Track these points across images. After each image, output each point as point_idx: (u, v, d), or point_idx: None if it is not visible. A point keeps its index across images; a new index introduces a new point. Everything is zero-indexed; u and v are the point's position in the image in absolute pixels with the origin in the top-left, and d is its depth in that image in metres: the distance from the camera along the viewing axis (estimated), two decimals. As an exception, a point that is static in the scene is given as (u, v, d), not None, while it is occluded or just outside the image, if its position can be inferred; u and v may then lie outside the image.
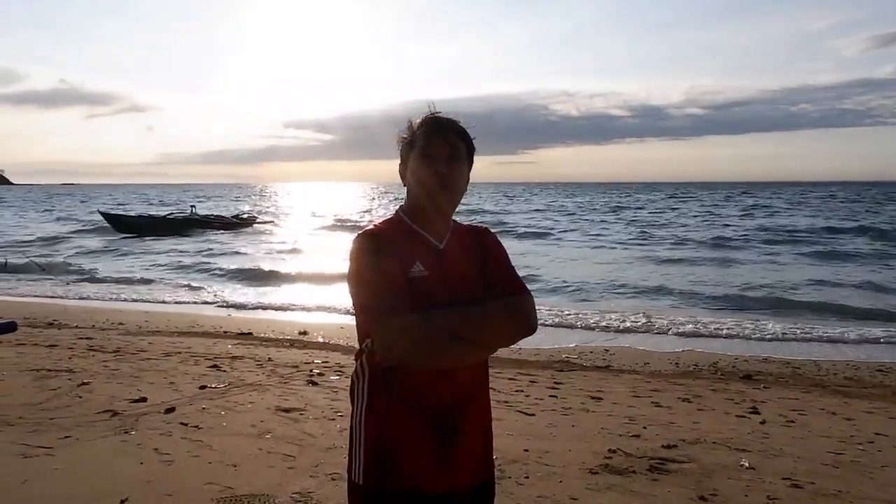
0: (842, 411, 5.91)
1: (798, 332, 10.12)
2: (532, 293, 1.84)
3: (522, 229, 33.83)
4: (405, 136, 1.84)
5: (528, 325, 1.79)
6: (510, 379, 6.87)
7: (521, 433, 4.99)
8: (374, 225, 1.82)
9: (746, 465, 4.34)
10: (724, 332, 10.13)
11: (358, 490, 1.79)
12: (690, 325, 10.49)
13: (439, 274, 1.76)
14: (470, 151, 1.85)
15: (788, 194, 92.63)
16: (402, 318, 1.65)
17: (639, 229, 32.98)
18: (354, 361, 1.87)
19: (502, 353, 8.37)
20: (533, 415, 5.52)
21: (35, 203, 74.84)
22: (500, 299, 1.79)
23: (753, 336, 9.85)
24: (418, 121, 1.83)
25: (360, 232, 1.80)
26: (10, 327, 6.98)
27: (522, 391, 6.34)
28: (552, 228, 34.96)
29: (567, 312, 11.67)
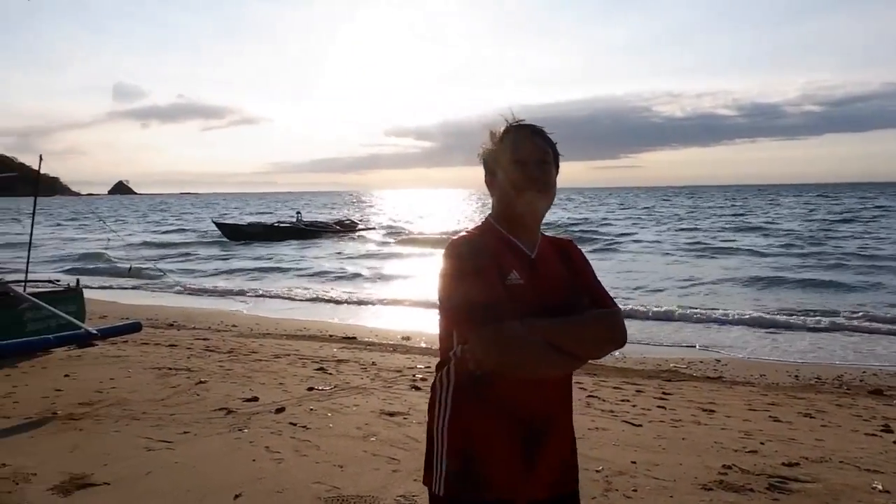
0: None
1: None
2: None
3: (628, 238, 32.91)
4: (489, 146, 1.85)
5: (621, 337, 1.80)
6: (615, 388, 6.68)
7: (628, 444, 4.82)
8: (468, 231, 1.83)
9: (880, 487, 3.99)
10: (851, 344, 9.44)
11: (440, 502, 1.78)
12: (811, 338, 9.84)
13: (532, 282, 1.76)
14: (556, 156, 1.85)
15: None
16: (505, 325, 1.64)
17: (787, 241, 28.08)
18: (435, 372, 1.86)
19: (607, 361, 8.17)
20: (640, 426, 5.32)
21: (155, 211, 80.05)
22: (594, 311, 1.79)
23: (881, 348, 9.13)
24: (503, 129, 1.83)
25: (454, 238, 1.79)
26: (136, 328, 7.51)
27: (628, 401, 6.14)
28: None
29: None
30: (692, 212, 56.82)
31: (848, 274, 17.25)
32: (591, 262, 1.96)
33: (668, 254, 24.18)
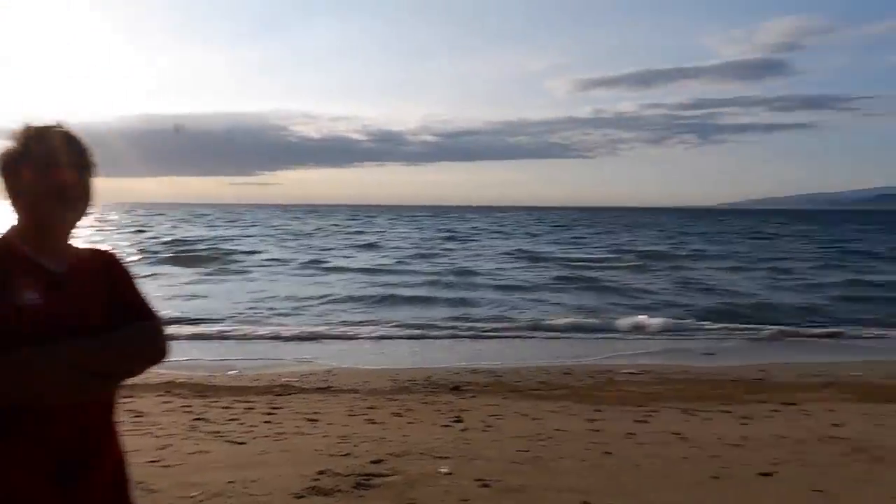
0: (532, 412, 6.58)
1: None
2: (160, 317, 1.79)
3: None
4: (11, 148, 1.64)
5: (159, 350, 1.73)
6: (224, 408, 6.57)
7: (229, 464, 4.76)
8: None
9: (445, 471, 4.60)
10: (441, 348, 10.84)
11: None
12: (410, 346, 11.02)
13: (57, 302, 1.61)
14: (92, 164, 1.72)
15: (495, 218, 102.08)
16: (15, 354, 1.48)
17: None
18: None
19: (220, 380, 8.05)
20: (244, 443, 5.31)
21: None
22: (128, 326, 1.70)
23: (464, 349, 10.69)
24: (28, 131, 1.64)
25: None
26: None
27: (237, 419, 6.09)
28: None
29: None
30: (319, 230, 59.14)
31: (443, 289, 19.81)
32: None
33: (292, 272, 24.81)
